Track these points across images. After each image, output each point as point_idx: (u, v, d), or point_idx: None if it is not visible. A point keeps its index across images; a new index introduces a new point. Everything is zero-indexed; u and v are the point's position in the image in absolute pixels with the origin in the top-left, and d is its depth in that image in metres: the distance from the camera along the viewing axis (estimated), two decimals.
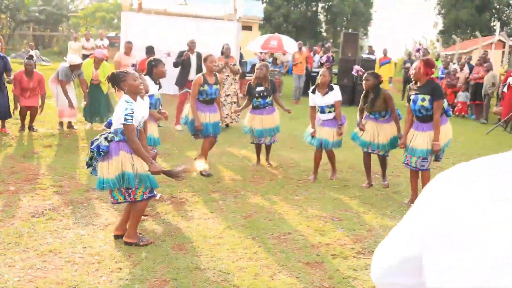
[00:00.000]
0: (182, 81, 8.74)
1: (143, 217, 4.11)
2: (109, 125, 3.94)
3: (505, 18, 36.33)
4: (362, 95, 5.74)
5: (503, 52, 21.32)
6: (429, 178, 5.15)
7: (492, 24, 35.29)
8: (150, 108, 4.81)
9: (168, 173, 3.87)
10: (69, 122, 8.21)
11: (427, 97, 4.86)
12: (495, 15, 36.59)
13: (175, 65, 8.98)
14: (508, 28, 34.70)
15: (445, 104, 5.08)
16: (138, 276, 3.32)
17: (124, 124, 3.60)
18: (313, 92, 5.97)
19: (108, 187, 3.66)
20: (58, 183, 5.31)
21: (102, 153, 3.64)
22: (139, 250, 3.73)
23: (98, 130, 7.31)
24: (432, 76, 5.06)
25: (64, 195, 4.94)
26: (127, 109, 3.61)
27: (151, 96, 4.89)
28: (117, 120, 3.67)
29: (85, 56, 16.45)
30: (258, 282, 3.33)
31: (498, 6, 36.21)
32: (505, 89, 11.36)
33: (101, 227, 4.16)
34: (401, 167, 6.86)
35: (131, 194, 3.74)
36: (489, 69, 12.05)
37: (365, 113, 5.79)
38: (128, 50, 9.21)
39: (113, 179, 3.61)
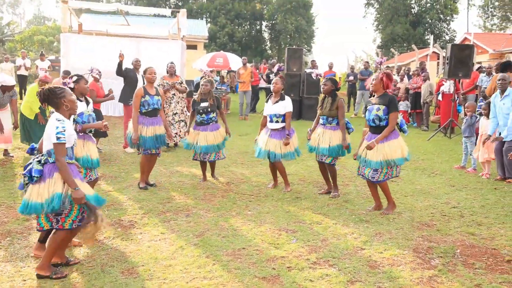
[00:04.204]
0: (126, 97, 8.51)
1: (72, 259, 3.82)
2: (31, 150, 3.67)
3: (437, 32, 38.71)
4: (320, 99, 5.99)
5: (437, 63, 22.59)
6: (387, 189, 5.20)
7: (426, 37, 37.46)
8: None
9: (90, 206, 3.51)
10: (5, 150, 7.70)
11: (382, 107, 5.02)
12: (428, 29, 38.89)
13: (118, 72, 8.69)
14: (441, 40, 36.94)
15: (400, 119, 5.16)
16: None
17: (55, 144, 3.40)
18: (267, 101, 6.19)
19: (33, 211, 3.40)
20: None
21: (35, 178, 3.40)
22: (85, 279, 3.50)
23: None
24: None
25: (1, 225, 4.60)
26: (58, 128, 3.42)
27: (80, 115, 4.75)
28: (48, 139, 3.46)
29: (20, 77, 15.87)
30: None
31: (430, 21, 38.55)
32: (440, 98, 11.97)
33: None
34: (350, 176, 7.00)
35: (59, 221, 3.48)
36: (426, 78, 12.64)
37: (320, 121, 5.92)
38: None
39: (41, 203, 3.36)
